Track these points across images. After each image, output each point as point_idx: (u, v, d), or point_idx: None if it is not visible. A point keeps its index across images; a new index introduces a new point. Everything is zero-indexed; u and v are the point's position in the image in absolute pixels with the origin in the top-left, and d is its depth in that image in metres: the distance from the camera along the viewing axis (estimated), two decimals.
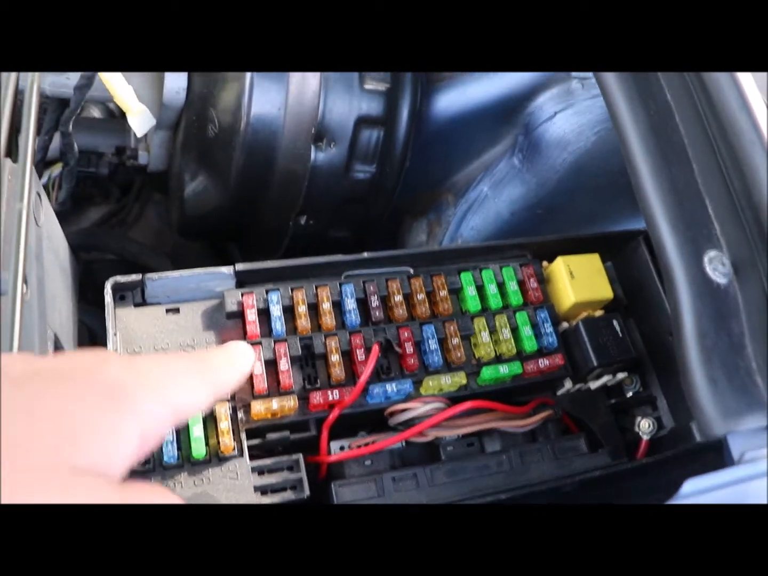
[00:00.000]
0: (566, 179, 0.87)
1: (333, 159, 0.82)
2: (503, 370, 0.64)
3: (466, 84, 0.89)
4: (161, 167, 0.93)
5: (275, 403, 0.58)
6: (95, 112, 1.05)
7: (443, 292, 0.66)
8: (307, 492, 0.58)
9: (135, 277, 0.62)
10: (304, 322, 0.62)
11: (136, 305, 0.63)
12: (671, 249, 0.53)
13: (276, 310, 0.62)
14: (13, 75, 0.59)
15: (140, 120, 0.76)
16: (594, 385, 0.69)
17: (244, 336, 0.62)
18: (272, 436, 0.60)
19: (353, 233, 0.92)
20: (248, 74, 0.77)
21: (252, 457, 0.59)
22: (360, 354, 0.62)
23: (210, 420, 0.58)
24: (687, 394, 0.51)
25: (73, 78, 0.77)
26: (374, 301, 0.64)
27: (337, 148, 0.81)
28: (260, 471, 0.59)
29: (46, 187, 0.88)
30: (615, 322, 0.69)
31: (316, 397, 0.60)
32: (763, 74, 0.59)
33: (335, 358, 0.61)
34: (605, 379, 0.69)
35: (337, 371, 0.61)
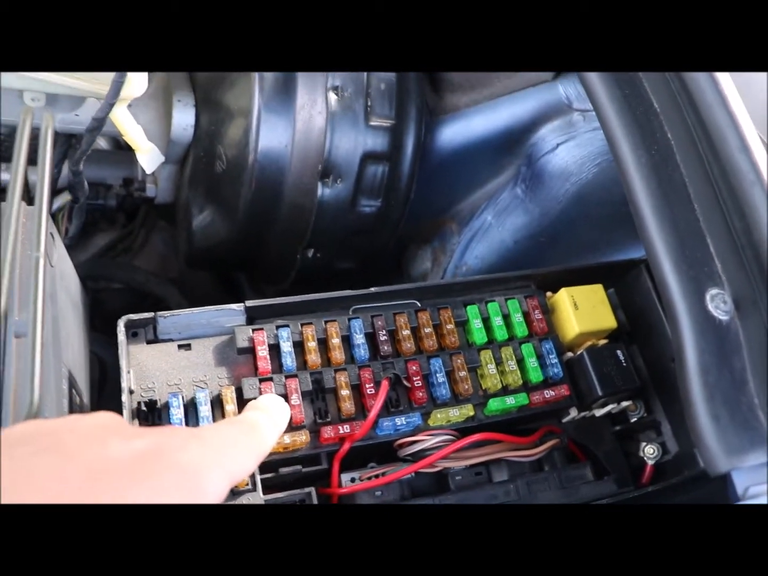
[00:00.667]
0: (569, 209, 0.88)
1: (339, 194, 0.83)
2: (510, 401, 0.66)
3: (469, 117, 0.90)
4: (168, 199, 0.94)
5: (287, 438, 0.59)
6: (103, 143, 1.06)
7: (450, 326, 0.67)
8: None
9: (147, 314, 0.63)
10: (314, 357, 0.63)
11: (149, 342, 0.64)
12: (674, 287, 0.54)
13: (286, 346, 0.63)
14: (29, 119, 0.60)
15: (149, 158, 0.77)
16: (599, 413, 0.70)
17: (255, 372, 0.63)
18: (285, 470, 0.61)
19: (359, 263, 0.93)
20: (255, 110, 0.78)
21: (265, 491, 0.60)
22: (369, 388, 0.63)
23: None
24: (690, 430, 0.52)
25: (81, 115, 0.79)
26: (382, 336, 0.65)
27: (344, 184, 0.83)
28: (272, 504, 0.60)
29: (54, 215, 0.89)
30: (619, 352, 0.70)
31: (327, 431, 0.61)
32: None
33: (345, 392, 0.62)
34: (610, 407, 0.70)
35: (347, 405, 0.62)
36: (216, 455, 0.40)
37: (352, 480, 0.63)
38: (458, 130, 0.91)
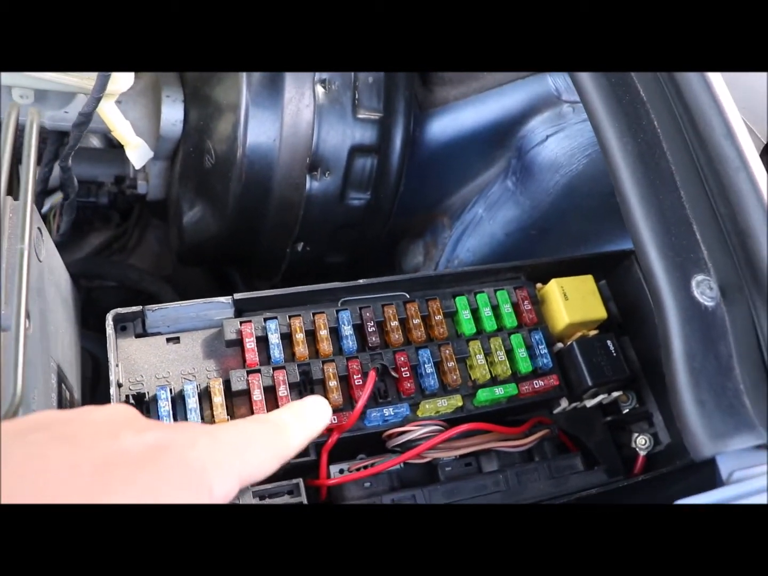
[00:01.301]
0: (559, 201, 0.88)
1: (328, 188, 0.83)
2: (499, 391, 0.66)
3: (459, 110, 0.90)
4: (160, 196, 0.94)
5: None
6: (95, 142, 1.07)
7: (438, 317, 0.67)
8: None
9: (135, 308, 0.63)
10: (302, 349, 0.63)
11: (137, 336, 0.64)
12: (660, 274, 0.54)
13: (274, 338, 0.63)
14: (14, 113, 0.60)
15: (138, 153, 0.77)
16: (589, 403, 0.70)
17: (243, 363, 0.63)
18: None
19: (350, 257, 0.93)
20: (243, 105, 0.78)
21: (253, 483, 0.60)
22: (357, 379, 0.63)
23: None
24: (676, 416, 0.52)
25: (71, 112, 0.79)
26: (371, 327, 0.65)
27: (332, 177, 0.83)
28: (261, 496, 0.60)
29: (47, 215, 0.89)
30: (609, 342, 0.70)
31: None
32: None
33: (333, 383, 0.62)
34: (600, 397, 0.70)
35: (335, 396, 0.62)
36: (226, 455, 0.40)
37: (341, 471, 0.63)
38: (448, 123, 0.91)
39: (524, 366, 0.67)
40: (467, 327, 0.68)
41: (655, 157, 0.58)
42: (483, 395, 0.65)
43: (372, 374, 0.62)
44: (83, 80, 0.68)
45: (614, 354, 0.69)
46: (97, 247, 1.12)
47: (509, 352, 0.68)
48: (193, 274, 1.10)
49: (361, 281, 0.67)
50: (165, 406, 0.59)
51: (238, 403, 0.61)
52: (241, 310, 0.66)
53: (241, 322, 0.63)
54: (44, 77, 0.70)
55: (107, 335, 0.61)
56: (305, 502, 0.60)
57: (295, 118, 0.79)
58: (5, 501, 0.32)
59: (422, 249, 1.00)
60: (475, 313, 0.69)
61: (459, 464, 0.67)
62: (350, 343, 0.64)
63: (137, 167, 0.78)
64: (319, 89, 0.80)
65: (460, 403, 0.65)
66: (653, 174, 0.57)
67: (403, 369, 0.64)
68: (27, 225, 0.54)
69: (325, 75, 0.81)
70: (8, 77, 0.72)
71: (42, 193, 0.84)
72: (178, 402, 0.60)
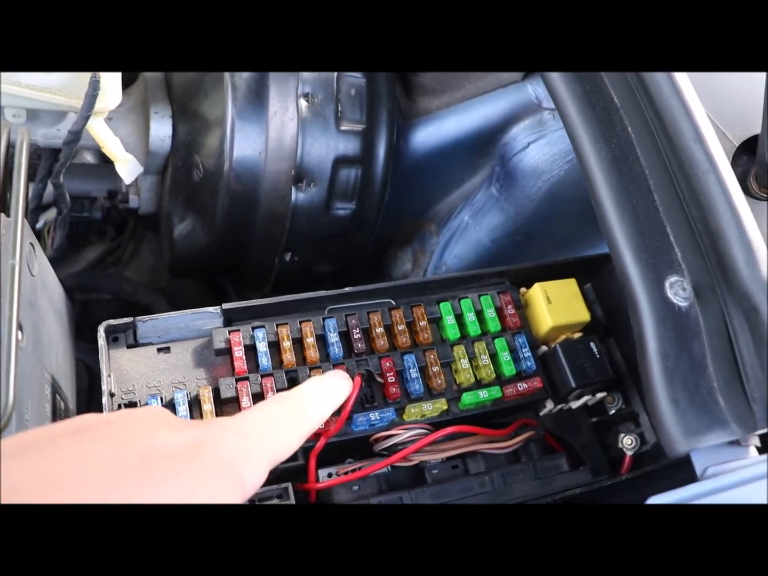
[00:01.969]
0: (542, 207, 0.89)
1: (313, 198, 0.85)
2: (483, 394, 0.67)
3: (442, 119, 0.92)
4: (151, 210, 0.96)
5: None
6: (89, 157, 1.08)
7: (423, 322, 0.68)
8: None
9: (126, 319, 0.64)
10: (289, 357, 0.64)
11: (129, 346, 0.65)
12: (634, 276, 0.55)
13: (262, 346, 0.64)
14: (5, 133, 0.62)
15: (128, 168, 0.79)
16: (575, 404, 0.71)
17: (232, 372, 0.64)
18: None
19: (338, 266, 0.95)
20: (228, 120, 0.80)
21: None
22: None
23: None
24: (651, 414, 0.53)
25: (63, 129, 0.80)
26: (356, 334, 0.67)
27: (317, 188, 0.84)
28: (250, 500, 0.61)
29: (41, 231, 0.91)
30: (592, 344, 0.71)
31: None
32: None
33: None
34: (585, 398, 0.71)
35: None
36: (254, 448, 0.44)
37: (329, 475, 0.64)
38: (431, 133, 0.93)
39: (508, 369, 0.69)
40: (451, 332, 0.69)
41: (629, 162, 0.59)
42: (468, 398, 0.66)
43: (358, 380, 0.64)
44: (72, 99, 0.70)
45: (598, 356, 0.70)
46: (93, 260, 1.14)
47: (493, 356, 0.69)
48: (188, 286, 1.11)
49: (347, 289, 0.69)
50: None
51: (228, 410, 0.62)
52: (230, 319, 0.67)
53: (229, 332, 0.65)
54: (35, 97, 0.72)
55: (99, 346, 0.63)
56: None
57: (279, 131, 0.81)
58: (70, 495, 0.34)
59: (410, 256, 1.01)
60: (459, 318, 0.70)
61: (446, 467, 0.68)
62: (336, 349, 0.65)
63: (127, 182, 0.80)
64: (303, 102, 0.82)
65: (445, 407, 0.66)
66: (627, 179, 0.58)
67: (388, 374, 0.66)
68: (18, 240, 0.56)
69: (308, 88, 0.82)
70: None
71: (36, 209, 0.85)
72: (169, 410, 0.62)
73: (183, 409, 0.61)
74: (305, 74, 0.82)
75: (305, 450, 0.63)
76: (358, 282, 0.71)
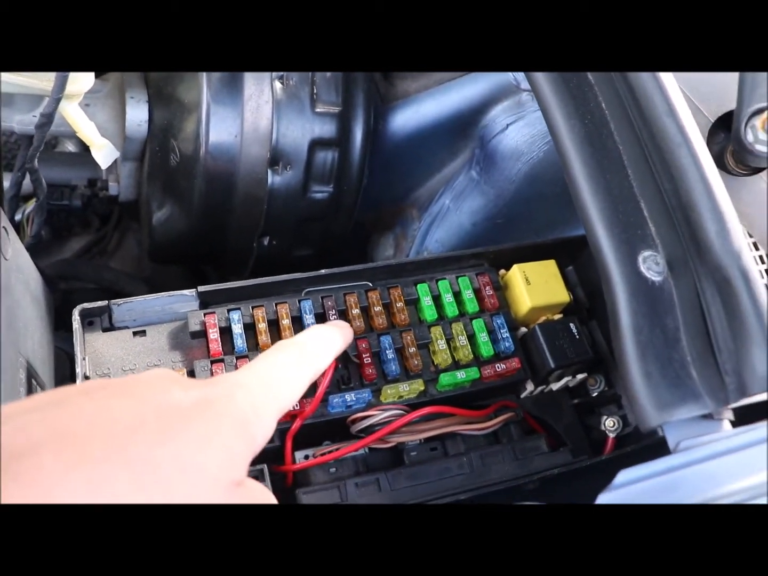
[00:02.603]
0: (523, 189, 0.89)
1: (290, 181, 0.84)
2: (461, 375, 0.66)
3: (421, 102, 0.92)
4: (131, 197, 0.95)
5: None
6: (70, 146, 1.08)
7: (400, 304, 0.68)
8: None
9: (101, 303, 0.64)
10: (264, 338, 0.64)
11: (104, 330, 0.65)
12: (608, 251, 0.55)
13: (237, 328, 0.64)
14: None
15: (103, 153, 0.78)
16: (555, 386, 0.71)
17: (208, 354, 0.64)
18: None
19: (317, 251, 0.94)
20: (204, 104, 0.79)
21: None
22: None
23: None
24: (624, 388, 0.53)
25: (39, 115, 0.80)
26: (332, 315, 0.66)
27: (293, 171, 0.84)
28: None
29: (20, 222, 0.90)
30: (572, 325, 0.70)
31: None
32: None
33: None
34: (566, 380, 0.71)
35: None
36: (262, 402, 0.45)
37: (306, 457, 0.64)
38: (410, 116, 0.92)
39: (486, 350, 0.68)
40: (429, 313, 0.69)
41: (602, 137, 0.59)
42: (445, 379, 0.66)
43: (333, 361, 0.63)
44: (44, 82, 0.69)
45: (577, 336, 0.70)
46: (78, 251, 1.14)
47: (471, 337, 0.69)
48: (170, 275, 1.11)
49: (323, 271, 0.68)
50: None
51: None
52: (207, 302, 0.67)
53: (205, 314, 0.64)
54: (9, 80, 0.71)
55: (74, 329, 0.63)
56: (270, 487, 0.61)
57: (255, 114, 0.80)
58: (90, 447, 0.35)
59: (393, 241, 1.01)
60: (437, 299, 0.70)
61: (424, 449, 0.67)
62: None
63: (103, 167, 0.79)
64: (277, 85, 0.81)
65: (422, 388, 0.66)
66: (600, 154, 0.58)
67: (364, 355, 0.65)
68: None
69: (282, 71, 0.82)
70: None
71: (15, 197, 0.85)
72: None
73: None
74: None
75: (281, 432, 0.63)
76: (339, 267, 0.70)
